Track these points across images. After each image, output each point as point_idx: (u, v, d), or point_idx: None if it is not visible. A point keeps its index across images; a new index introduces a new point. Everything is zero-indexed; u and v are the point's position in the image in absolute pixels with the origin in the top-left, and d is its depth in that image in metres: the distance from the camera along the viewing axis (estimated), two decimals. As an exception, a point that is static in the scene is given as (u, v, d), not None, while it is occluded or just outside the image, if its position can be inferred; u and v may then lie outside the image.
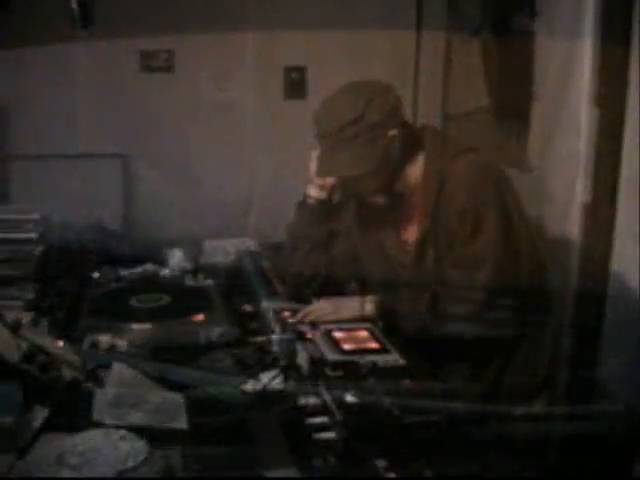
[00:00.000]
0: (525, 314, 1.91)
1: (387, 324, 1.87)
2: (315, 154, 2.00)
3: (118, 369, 1.54)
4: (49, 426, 1.33)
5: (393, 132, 1.87)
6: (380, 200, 1.97)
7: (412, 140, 1.93)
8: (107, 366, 1.56)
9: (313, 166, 2.02)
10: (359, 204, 2.07)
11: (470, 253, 1.85)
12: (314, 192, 2.08)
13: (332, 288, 2.08)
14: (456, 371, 1.87)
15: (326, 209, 2.09)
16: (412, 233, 1.99)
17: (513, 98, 2.86)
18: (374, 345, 1.65)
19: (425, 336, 1.84)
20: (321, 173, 1.97)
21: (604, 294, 2.24)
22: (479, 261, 1.84)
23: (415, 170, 1.94)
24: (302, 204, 2.12)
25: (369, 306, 1.92)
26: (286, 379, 1.58)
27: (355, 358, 1.55)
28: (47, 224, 2.37)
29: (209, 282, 2.22)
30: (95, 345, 1.66)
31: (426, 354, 1.66)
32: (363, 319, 1.87)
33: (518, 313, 1.89)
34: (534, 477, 1.80)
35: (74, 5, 2.50)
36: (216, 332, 1.83)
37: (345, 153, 1.85)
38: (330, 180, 2.04)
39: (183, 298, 2.06)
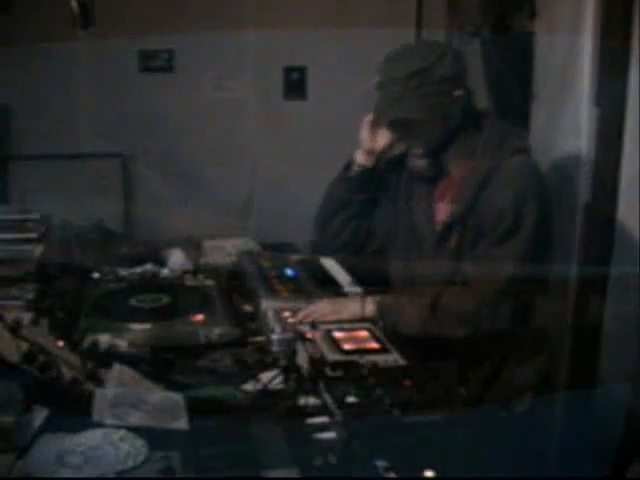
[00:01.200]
0: (530, 314, 1.91)
1: (387, 324, 1.88)
2: (367, 119, 2.01)
3: (118, 369, 1.54)
4: (49, 426, 1.33)
5: (459, 92, 1.86)
6: (424, 166, 1.95)
7: (471, 116, 1.93)
8: (107, 366, 1.57)
9: (364, 132, 2.03)
10: (401, 173, 2.06)
11: (498, 251, 1.84)
12: (361, 158, 2.06)
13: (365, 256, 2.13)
14: (456, 371, 1.87)
15: (370, 178, 2.07)
16: (442, 212, 1.97)
17: (513, 98, 2.86)
18: (374, 345, 1.65)
19: (425, 336, 1.85)
20: (379, 117, 1.95)
21: (605, 294, 2.24)
22: (506, 260, 1.82)
23: (466, 148, 1.93)
24: (347, 169, 2.09)
25: (370, 306, 1.92)
26: (286, 379, 1.58)
27: (355, 358, 1.55)
28: (47, 224, 2.37)
29: (209, 282, 2.22)
30: (95, 345, 1.66)
31: (426, 354, 1.66)
32: (363, 319, 1.87)
33: (524, 313, 1.89)
34: (534, 477, 1.80)
35: (74, 5, 2.50)
36: (216, 332, 1.83)
37: (409, 100, 1.85)
38: (379, 145, 2.04)
39: (183, 298, 2.06)
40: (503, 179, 1.85)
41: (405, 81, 1.84)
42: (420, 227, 2.01)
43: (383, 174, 2.11)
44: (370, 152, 2.06)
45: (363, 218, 2.11)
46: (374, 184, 2.10)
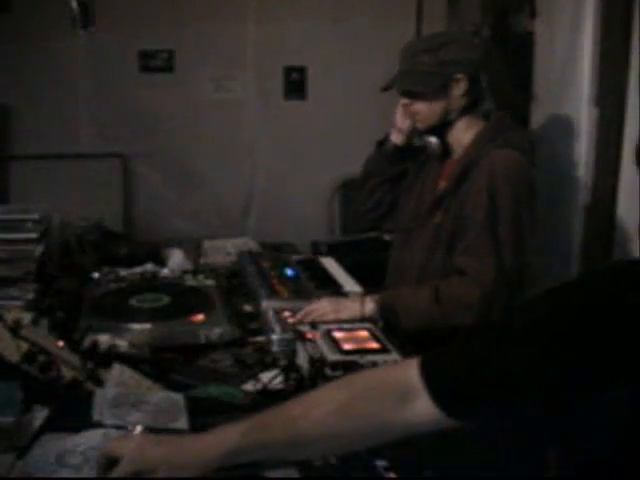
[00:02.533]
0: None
1: (387, 322, 1.89)
2: (403, 101, 2.15)
3: (118, 369, 1.54)
4: (49, 426, 1.33)
5: (459, 76, 2.02)
6: (432, 144, 2.13)
7: (479, 105, 2.08)
8: (107, 366, 1.56)
9: (398, 113, 2.20)
10: (424, 151, 2.23)
11: (482, 238, 1.92)
12: (394, 136, 2.25)
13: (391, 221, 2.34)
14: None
15: (400, 154, 2.26)
16: (439, 188, 2.11)
17: (513, 98, 2.86)
18: (374, 345, 1.65)
19: (426, 335, 1.86)
20: (389, 82, 2.14)
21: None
22: (490, 247, 1.90)
23: (468, 134, 2.07)
24: (382, 143, 2.30)
25: (370, 305, 1.93)
26: (286, 379, 1.58)
27: (355, 358, 1.55)
28: (47, 224, 2.36)
29: (209, 282, 2.21)
30: (95, 345, 1.66)
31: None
32: (363, 319, 1.87)
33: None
34: (534, 477, 1.80)
35: (74, 5, 2.50)
36: (216, 332, 1.83)
37: (412, 75, 2.06)
38: (407, 125, 2.19)
39: (183, 298, 2.06)
40: (486, 166, 1.96)
41: (413, 57, 2.06)
42: (420, 200, 2.16)
43: (413, 152, 2.28)
44: (400, 131, 2.23)
45: (390, 188, 2.30)
46: (403, 161, 2.28)
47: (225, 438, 1.12)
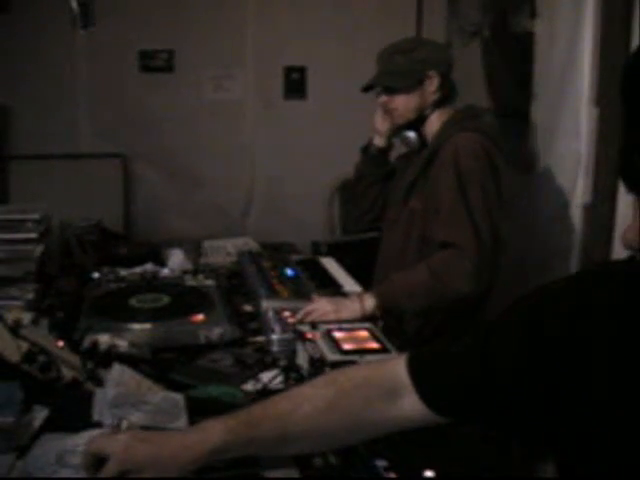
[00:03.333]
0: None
1: (388, 315, 1.93)
2: (382, 99, 2.29)
3: (118, 369, 1.54)
4: (49, 426, 1.33)
5: (432, 73, 2.20)
6: (413, 137, 2.28)
7: (449, 100, 2.25)
8: (107, 366, 1.56)
9: (377, 117, 2.37)
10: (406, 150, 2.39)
11: (451, 216, 2.03)
12: (377, 140, 2.43)
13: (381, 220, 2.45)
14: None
15: (383, 156, 2.45)
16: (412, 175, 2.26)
17: (513, 98, 2.86)
18: (374, 345, 1.65)
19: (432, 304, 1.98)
20: (369, 82, 2.28)
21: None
22: (462, 224, 2.01)
23: (437, 125, 2.22)
24: (366, 149, 2.46)
25: (369, 301, 1.93)
26: (286, 379, 1.58)
27: (355, 358, 1.55)
28: (47, 224, 2.36)
29: (209, 282, 2.22)
30: (95, 345, 1.66)
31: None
32: (363, 318, 1.87)
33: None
34: (533, 477, 1.80)
35: (74, 5, 2.51)
36: (216, 332, 1.83)
37: (388, 73, 2.23)
38: (386, 127, 2.35)
39: (183, 298, 2.06)
40: (449, 148, 2.10)
41: (389, 59, 2.23)
42: (399, 189, 2.30)
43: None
44: (381, 134, 2.39)
45: (380, 190, 2.44)
46: (387, 162, 2.46)
47: (212, 434, 1.12)
